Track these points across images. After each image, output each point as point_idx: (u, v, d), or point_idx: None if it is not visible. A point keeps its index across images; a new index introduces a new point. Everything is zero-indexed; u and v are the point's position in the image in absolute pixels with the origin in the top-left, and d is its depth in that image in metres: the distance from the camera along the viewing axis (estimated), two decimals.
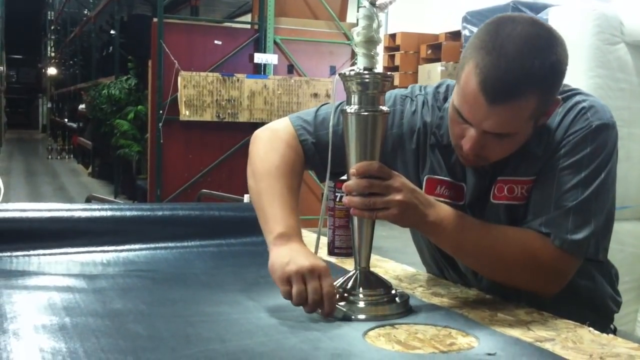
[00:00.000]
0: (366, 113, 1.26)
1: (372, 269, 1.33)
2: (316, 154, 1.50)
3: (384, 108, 1.28)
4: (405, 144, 1.50)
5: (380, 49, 1.32)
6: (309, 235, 1.91)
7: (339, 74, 1.27)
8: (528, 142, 1.35)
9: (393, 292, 1.30)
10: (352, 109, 1.26)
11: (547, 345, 1.11)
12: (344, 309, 1.24)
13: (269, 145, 1.47)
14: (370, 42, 1.26)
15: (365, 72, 1.26)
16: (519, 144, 1.33)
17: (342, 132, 1.29)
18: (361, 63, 1.27)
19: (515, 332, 1.18)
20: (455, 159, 1.43)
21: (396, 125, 1.50)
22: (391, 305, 1.27)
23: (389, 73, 1.29)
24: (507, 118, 1.26)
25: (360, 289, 1.28)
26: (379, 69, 1.27)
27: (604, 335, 1.18)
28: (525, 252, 1.33)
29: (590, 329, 1.21)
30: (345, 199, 1.26)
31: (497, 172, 1.40)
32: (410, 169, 1.49)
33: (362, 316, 1.24)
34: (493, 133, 1.28)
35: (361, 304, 1.26)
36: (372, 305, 1.26)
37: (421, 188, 1.42)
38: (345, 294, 1.28)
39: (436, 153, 1.46)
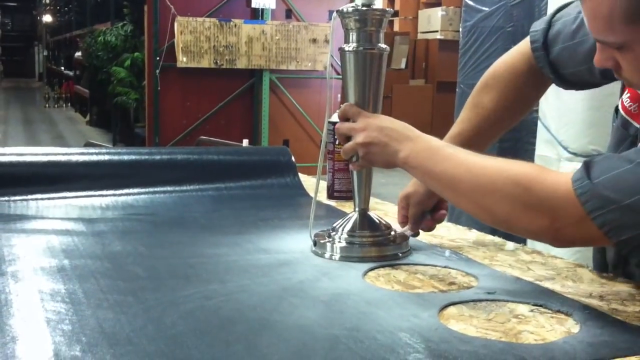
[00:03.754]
0: (364, 50, 1.23)
1: (371, 211, 1.32)
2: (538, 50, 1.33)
3: (383, 45, 1.25)
4: None
5: None
6: (308, 180, 1.91)
7: (337, 11, 1.24)
8: None
9: (392, 233, 1.30)
10: (350, 47, 1.24)
11: (547, 284, 1.11)
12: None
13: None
14: None
15: (364, 7, 1.23)
16: None
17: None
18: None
19: (515, 272, 1.18)
20: None
21: None
22: (390, 246, 1.27)
23: (388, 9, 1.26)
24: (591, 18, 1.02)
25: (360, 230, 1.28)
26: None
27: (604, 274, 1.18)
28: (510, 180, 1.03)
29: (590, 268, 1.21)
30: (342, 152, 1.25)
31: None
32: None
33: (361, 256, 1.24)
34: (602, 43, 1.05)
35: (361, 245, 1.26)
36: (372, 246, 1.26)
37: None
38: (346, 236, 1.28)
39: None
